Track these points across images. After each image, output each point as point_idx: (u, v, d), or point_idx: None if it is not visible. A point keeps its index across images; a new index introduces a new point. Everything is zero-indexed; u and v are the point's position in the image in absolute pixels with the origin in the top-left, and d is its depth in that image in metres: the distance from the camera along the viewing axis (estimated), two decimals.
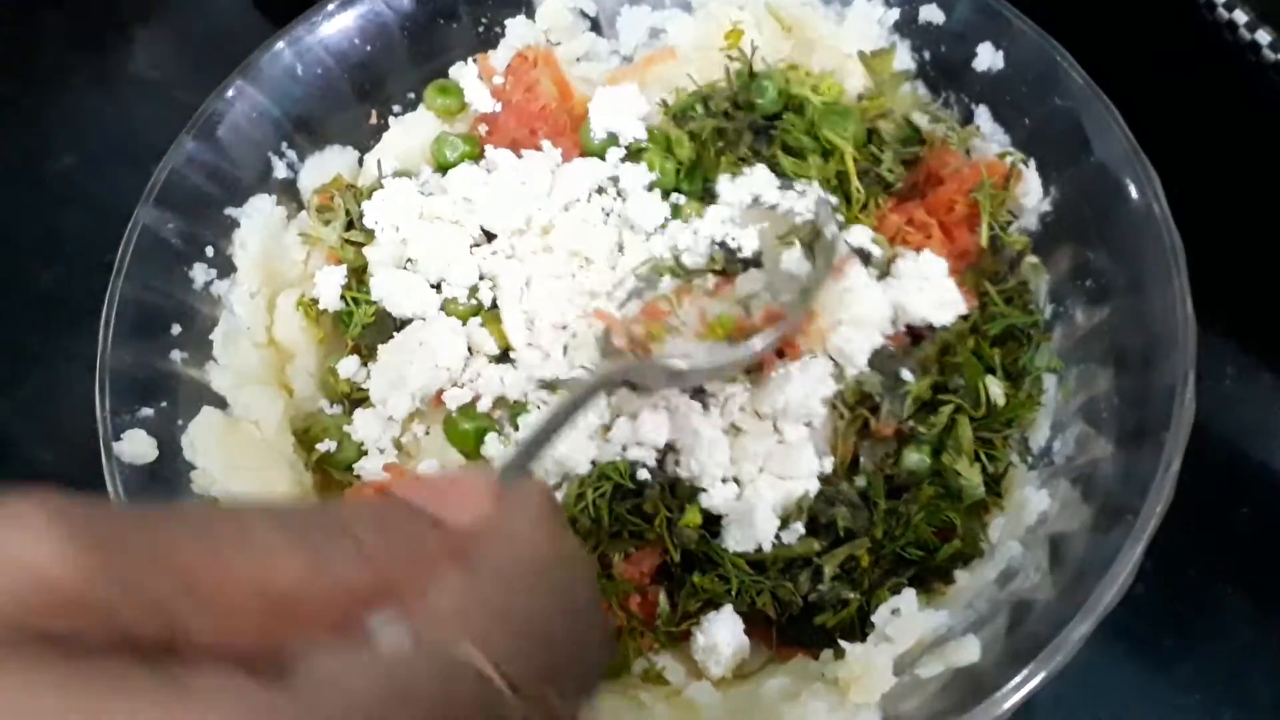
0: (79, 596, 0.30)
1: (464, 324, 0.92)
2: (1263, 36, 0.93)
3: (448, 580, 0.37)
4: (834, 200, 0.92)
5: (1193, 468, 0.75)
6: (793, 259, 0.89)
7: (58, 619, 0.30)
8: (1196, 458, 0.76)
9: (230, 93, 0.96)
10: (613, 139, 0.98)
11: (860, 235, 0.91)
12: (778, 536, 0.83)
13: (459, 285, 0.93)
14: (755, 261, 0.91)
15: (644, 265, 0.92)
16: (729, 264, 0.91)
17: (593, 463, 0.84)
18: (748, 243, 0.91)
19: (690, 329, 0.87)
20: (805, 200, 0.91)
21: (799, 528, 0.83)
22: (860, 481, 0.86)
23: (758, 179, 0.94)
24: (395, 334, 0.92)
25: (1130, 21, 1.13)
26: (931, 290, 0.89)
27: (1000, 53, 0.95)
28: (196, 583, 0.32)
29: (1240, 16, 0.93)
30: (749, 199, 0.92)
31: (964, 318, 0.90)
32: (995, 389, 0.87)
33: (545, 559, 0.41)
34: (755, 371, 0.86)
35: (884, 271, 0.91)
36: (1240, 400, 1.00)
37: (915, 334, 0.90)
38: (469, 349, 0.91)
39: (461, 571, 0.38)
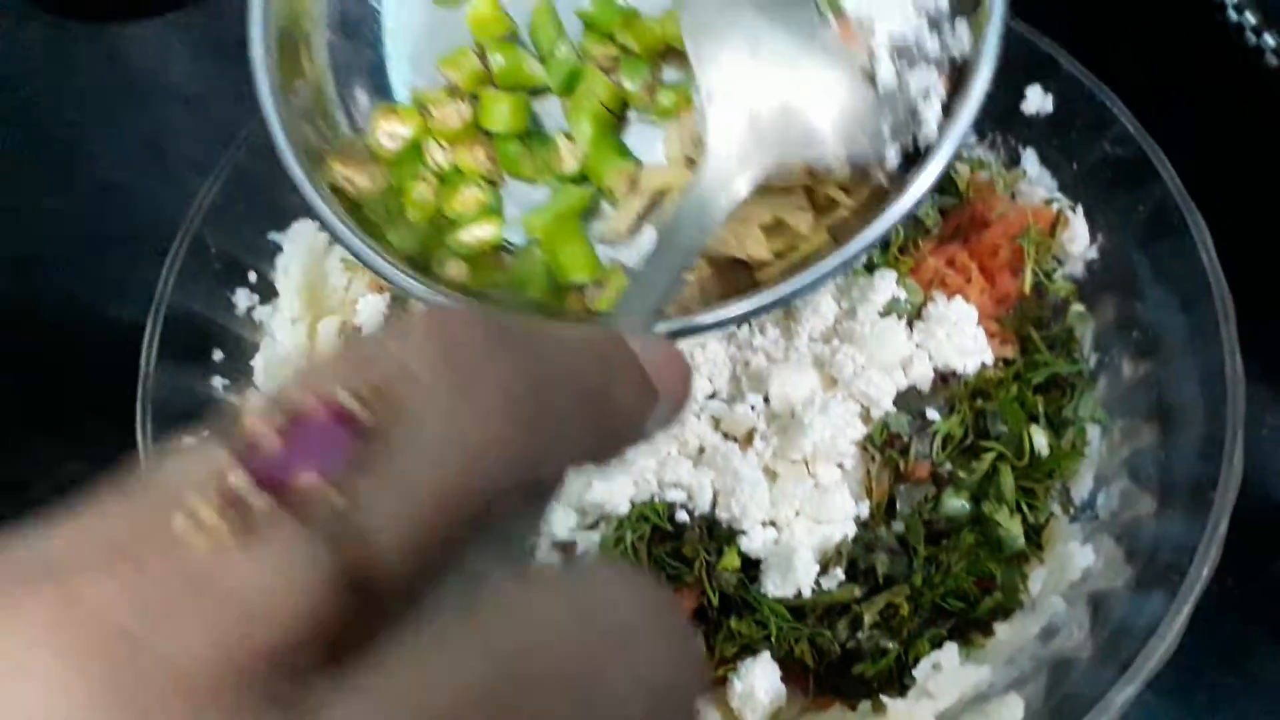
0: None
1: None
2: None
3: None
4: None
5: (1230, 518, 0.75)
6: None
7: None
8: (1235, 508, 0.76)
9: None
10: None
11: (886, 280, 0.90)
12: (817, 582, 0.82)
13: None
14: None
15: None
16: None
17: (631, 503, 0.84)
18: None
19: None
20: None
21: (838, 573, 0.83)
22: (898, 527, 0.85)
23: None
24: None
25: (1182, 68, 1.12)
26: (959, 337, 0.89)
27: (1050, 96, 0.95)
28: None
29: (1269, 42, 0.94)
30: None
31: (1006, 363, 0.90)
32: (1039, 438, 0.86)
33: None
34: None
35: (914, 315, 0.90)
36: (1278, 451, 0.98)
37: (943, 378, 0.90)
38: None
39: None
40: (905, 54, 0.61)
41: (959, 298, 0.89)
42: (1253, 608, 0.92)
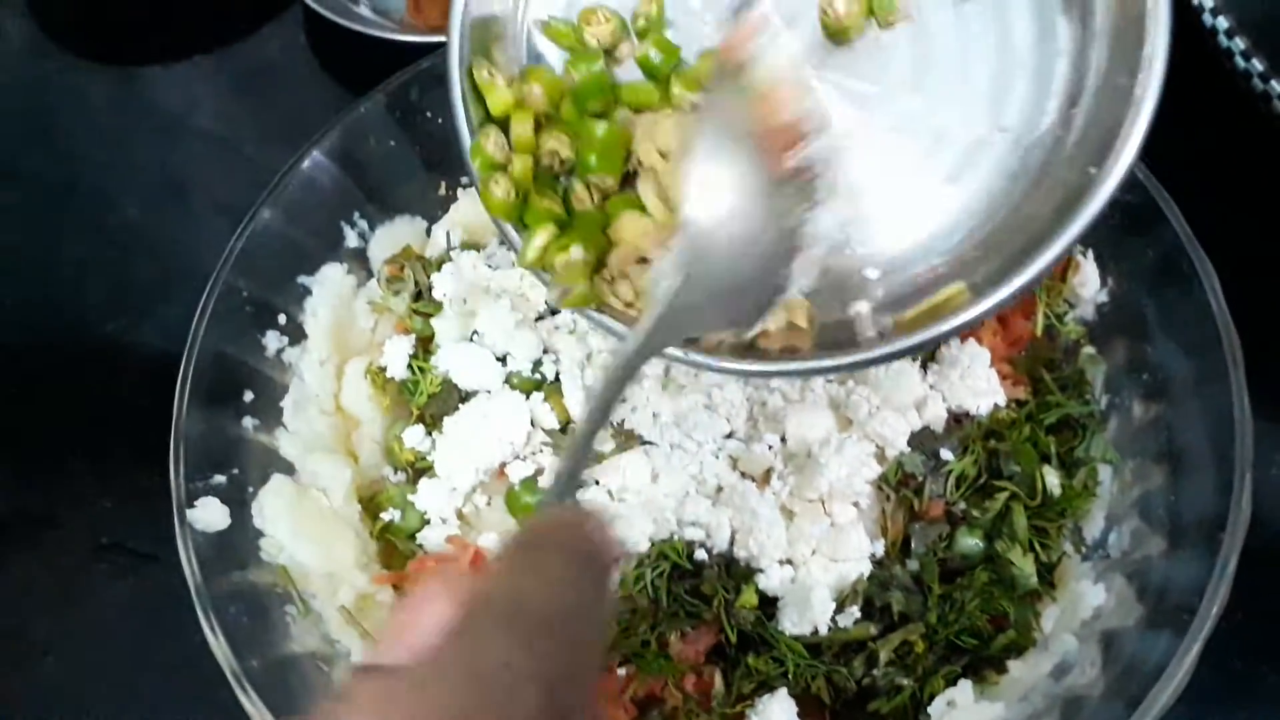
0: None
1: (527, 398, 0.94)
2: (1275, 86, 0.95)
3: None
4: None
5: (1240, 555, 0.76)
6: None
7: None
8: (1244, 546, 0.77)
9: (306, 163, 0.98)
10: None
11: None
12: (833, 619, 0.84)
13: (522, 359, 0.95)
14: None
15: None
16: None
17: (650, 541, 0.86)
18: None
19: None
20: None
21: (855, 611, 0.85)
22: (913, 565, 0.87)
23: None
24: (460, 405, 0.94)
25: (1188, 112, 1.14)
26: (972, 379, 0.90)
27: None
28: None
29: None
30: None
31: (1019, 404, 0.92)
32: (1051, 478, 0.88)
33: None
34: None
35: (928, 358, 0.92)
36: None
37: (956, 419, 0.92)
38: (531, 422, 0.93)
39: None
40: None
41: (972, 340, 0.91)
42: (1262, 642, 0.93)
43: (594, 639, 0.46)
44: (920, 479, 0.88)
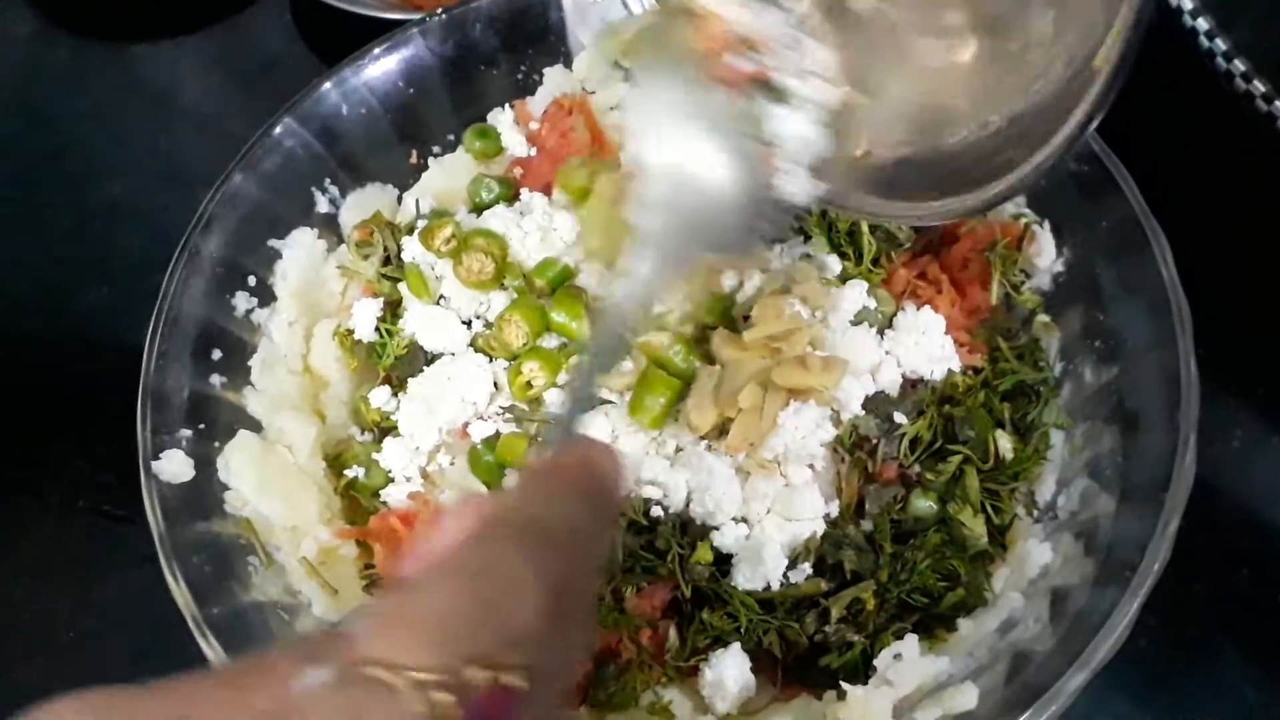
0: None
1: (490, 360, 0.96)
2: (1257, 87, 0.96)
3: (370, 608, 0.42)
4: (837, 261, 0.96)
5: (1198, 527, 0.77)
6: None
7: None
8: (1202, 517, 0.78)
9: (278, 129, 1.00)
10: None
11: (857, 290, 0.94)
12: (786, 576, 0.85)
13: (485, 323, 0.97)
14: None
15: None
16: None
17: None
18: None
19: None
20: None
21: (806, 568, 0.86)
22: (867, 525, 0.88)
23: None
24: (425, 367, 0.96)
25: (1143, 85, 1.15)
26: (928, 345, 0.92)
27: None
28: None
29: (1239, 66, 0.97)
30: None
31: (975, 371, 0.93)
32: (1004, 443, 0.89)
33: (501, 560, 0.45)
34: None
35: (885, 325, 0.94)
36: (1247, 462, 1.01)
37: (911, 384, 0.93)
38: (494, 385, 0.95)
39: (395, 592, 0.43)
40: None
41: (927, 307, 0.93)
42: (1218, 615, 0.94)
43: (596, 557, 0.52)
44: (874, 442, 0.89)
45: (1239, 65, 0.98)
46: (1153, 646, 0.91)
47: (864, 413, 0.89)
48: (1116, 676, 0.87)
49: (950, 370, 0.92)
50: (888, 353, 0.92)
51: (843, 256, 0.96)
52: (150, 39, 1.43)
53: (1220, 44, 0.99)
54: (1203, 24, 1.00)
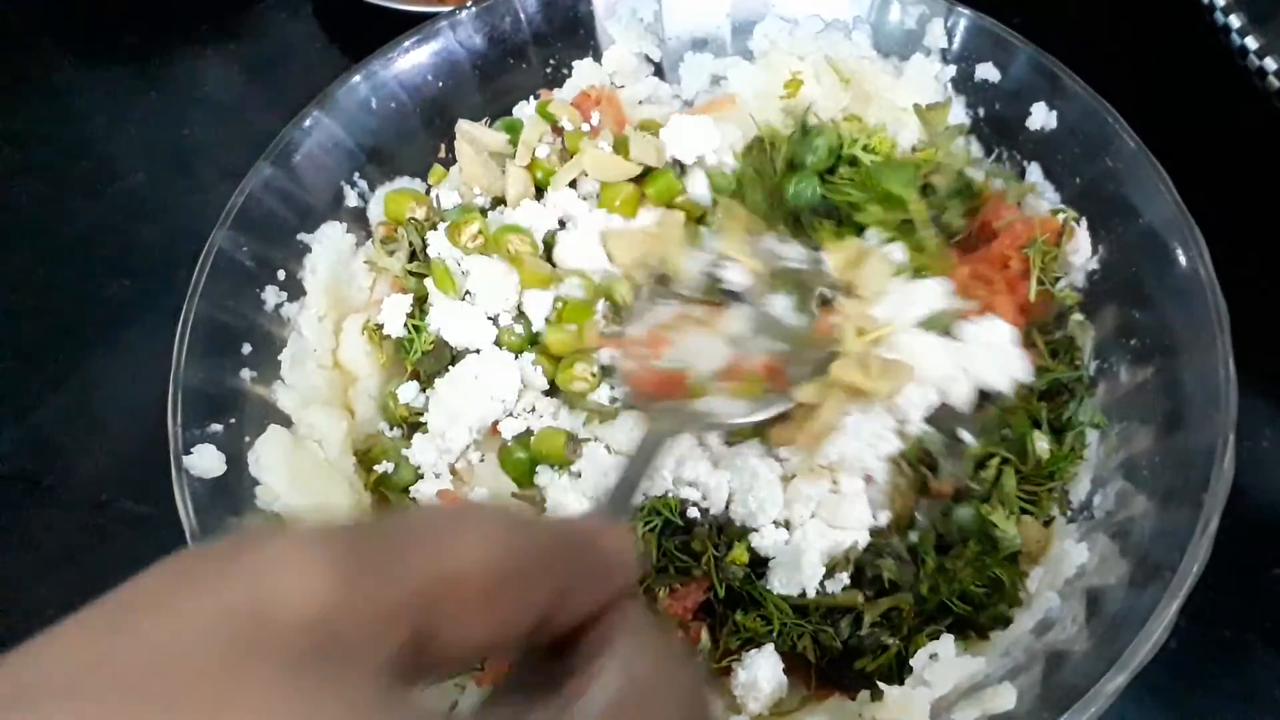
0: (325, 616, 0.33)
1: (516, 357, 0.95)
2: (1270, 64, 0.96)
3: (605, 677, 0.40)
4: (901, 251, 0.95)
5: (1229, 527, 0.76)
6: (780, 304, 0.92)
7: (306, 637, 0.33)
8: (1233, 517, 0.77)
9: (307, 122, 0.99)
10: (679, 166, 1.03)
11: (936, 289, 0.92)
12: (822, 585, 0.85)
13: (513, 319, 0.97)
14: (740, 297, 0.93)
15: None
16: (716, 294, 0.94)
17: (645, 495, 0.87)
18: (736, 278, 0.94)
19: (725, 389, 0.89)
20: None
21: (844, 577, 0.85)
22: (913, 537, 0.87)
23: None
24: (451, 363, 0.95)
25: (1174, 82, 1.15)
26: (998, 356, 0.90)
27: (1054, 112, 0.98)
28: (428, 588, 0.36)
29: (1271, 64, 0.97)
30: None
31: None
32: (1041, 443, 0.89)
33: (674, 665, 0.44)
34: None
35: (945, 329, 0.92)
36: (1278, 462, 1.00)
37: (985, 398, 0.91)
38: (522, 381, 0.94)
39: (616, 664, 0.41)
40: None
41: (996, 316, 0.92)
42: (1249, 614, 0.94)
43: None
44: (938, 458, 0.88)
45: (1271, 63, 0.98)
46: (1184, 647, 0.89)
47: (930, 429, 0.88)
48: (1148, 677, 0.86)
49: (1017, 381, 0.90)
50: (957, 364, 0.90)
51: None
52: (171, 31, 1.42)
53: (1252, 41, 0.99)
54: (1234, 21, 1.00)
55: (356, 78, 1.02)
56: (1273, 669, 0.92)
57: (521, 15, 1.07)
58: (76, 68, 1.42)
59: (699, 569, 0.86)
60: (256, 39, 1.42)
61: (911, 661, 0.81)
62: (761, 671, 0.82)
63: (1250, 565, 0.95)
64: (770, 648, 0.84)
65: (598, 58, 1.11)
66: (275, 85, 1.35)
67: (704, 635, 0.86)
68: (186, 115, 1.35)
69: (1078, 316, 0.94)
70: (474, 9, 1.06)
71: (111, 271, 1.23)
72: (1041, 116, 0.98)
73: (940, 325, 0.91)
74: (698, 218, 1.02)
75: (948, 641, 0.81)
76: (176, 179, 1.29)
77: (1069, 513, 0.88)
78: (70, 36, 1.44)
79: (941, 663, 0.80)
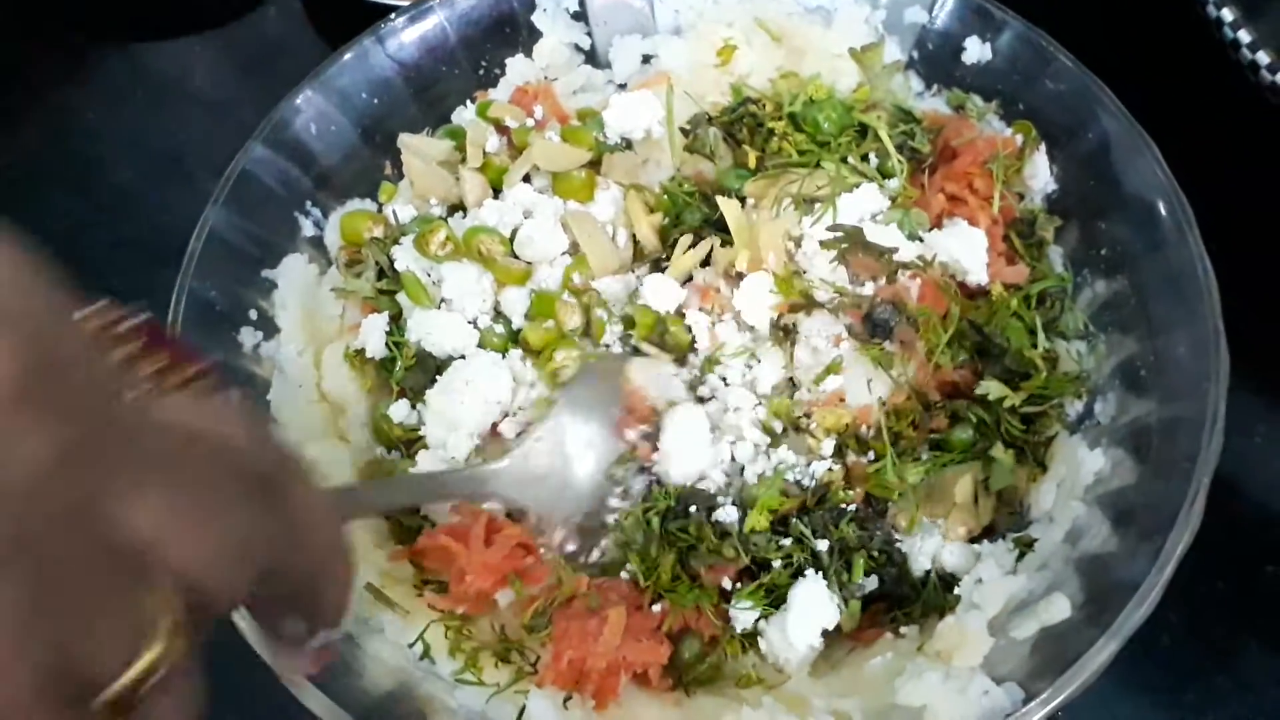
0: None
1: (504, 355, 0.95)
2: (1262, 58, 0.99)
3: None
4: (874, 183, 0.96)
5: (1221, 524, 0.76)
6: None
7: None
8: (1225, 513, 0.77)
9: (248, 160, 0.97)
10: (626, 143, 1.03)
11: (871, 192, 0.94)
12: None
13: (492, 319, 0.97)
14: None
15: None
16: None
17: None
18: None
19: None
20: None
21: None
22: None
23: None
24: (437, 373, 0.94)
25: (1166, 76, 1.17)
26: (973, 251, 0.93)
27: (987, 45, 1.00)
28: None
29: (1263, 58, 1.00)
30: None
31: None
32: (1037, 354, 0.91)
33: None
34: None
35: (914, 233, 0.94)
36: (1270, 458, 1.01)
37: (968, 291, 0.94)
38: (514, 379, 0.94)
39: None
40: None
41: (964, 222, 0.94)
42: (1244, 611, 0.95)
43: None
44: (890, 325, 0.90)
45: (1263, 57, 1.00)
46: (1177, 644, 0.92)
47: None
48: (1140, 674, 0.89)
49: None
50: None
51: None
52: (158, 27, 1.39)
53: (1244, 35, 1.01)
54: (1227, 15, 1.01)
55: (297, 101, 0.99)
56: (1266, 665, 0.93)
57: (446, 22, 1.06)
58: (63, 64, 1.37)
59: (729, 547, 0.85)
60: (245, 34, 1.38)
61: (958, 589, 0.82)
62: (808, 602, 0.82)
63: (1244, 562, 0.96)
64: (813, 573, 0.84)
65: (529, 53, 1.10)
66: (264, 81, 1.29)
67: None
68: (173, 111, 1.32)
69: (1044, 232, 0.96)
70: (397, 22, 1.04)
71: (99, 270, 1.17)
72: (977, 50, 1.00)
73: (909, 228, 0.93)
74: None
75: (990, 564, 0.83)
76: (163, 175, 1.26)
77: (1069, 425, 0.90)
78: (57, 32, 1.40)
79: (987, 584, 0.81)
